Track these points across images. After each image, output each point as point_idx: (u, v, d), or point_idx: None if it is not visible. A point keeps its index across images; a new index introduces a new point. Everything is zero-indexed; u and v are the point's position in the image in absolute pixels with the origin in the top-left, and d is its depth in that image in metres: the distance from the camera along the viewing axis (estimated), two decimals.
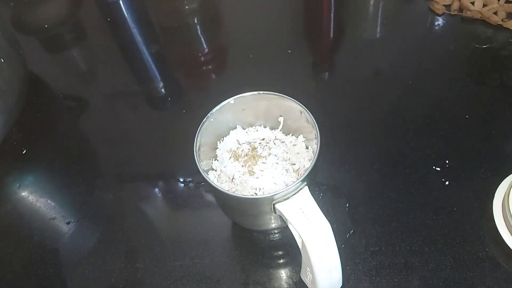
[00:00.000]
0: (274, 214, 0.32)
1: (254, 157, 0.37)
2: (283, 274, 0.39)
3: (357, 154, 0.47)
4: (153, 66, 0.62)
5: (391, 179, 0.44)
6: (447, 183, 0.43)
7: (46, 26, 0.70)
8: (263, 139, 0.39)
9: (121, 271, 0.40)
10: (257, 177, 0.35)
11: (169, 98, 0.58)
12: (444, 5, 0.59)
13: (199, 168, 0.34)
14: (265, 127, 0.41)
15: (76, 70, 0.64)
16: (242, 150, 0.38)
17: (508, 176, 0.41)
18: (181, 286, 0.39)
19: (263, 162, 0.36)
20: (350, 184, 0.44)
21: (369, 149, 0.47)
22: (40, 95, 0.59)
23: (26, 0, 0.75)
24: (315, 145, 0.35)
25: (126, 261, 0.41)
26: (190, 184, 0.46)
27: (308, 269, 0.32)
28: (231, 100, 0.37)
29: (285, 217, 0.30)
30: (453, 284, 0.36)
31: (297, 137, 0.40)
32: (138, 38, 0.65)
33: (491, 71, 0.52)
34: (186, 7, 0.69)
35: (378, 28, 0.63)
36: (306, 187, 0.31)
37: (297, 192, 0.31)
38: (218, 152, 0.39)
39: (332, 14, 0.66)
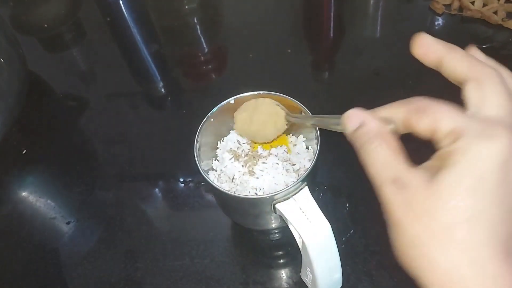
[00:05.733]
0: (274, 214, 0.32)
1: (254, 157, 0.37)
2: (283, 274, 0.39)
3: (357, 154, 0.46)
4: (153, 66, 0.62)
5: None
6: None
7: (46, 26, 0.70)
8: None
9: (121, 271, 0.40)
10: (257, 177, 0.35)
11: (169, 98, 0.58)
12: (444, 5, 0.59)
13: (199, 168, 0.34)
14: None
15: (76, 70, 0.64)
16: (242, 150, 0.38)
17: None
18: (181, 286, 0.39)
19: (263, 162, 0.36)
20: (350, 184, 0.44)
21: None
22: (40, 95, 0.59)
23: (26, 0, 0.75)
24: (315, 145, 0.35)
25: (126, 261, 0.41)
26: (190, 184, 0.46)
27: (308, 269, 0.32)
28: (231, 100, 0.37)
29: (285, 217, 0.30)
30: None
31: (297, 137, 0.40)
32: (138, 38, 0.65)
33: None
34: (186, 7, 0.69)
35: (378, 28, 0.63)
36: (306, 187, 0.31)
37: (297, 192, 0.31)
38: (218, 152, 0.39)
39: (332, 14, 0.66)
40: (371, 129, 0.21)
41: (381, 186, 0.20)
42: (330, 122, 0.27)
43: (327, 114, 0.28)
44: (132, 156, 0.50)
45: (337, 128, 0.25)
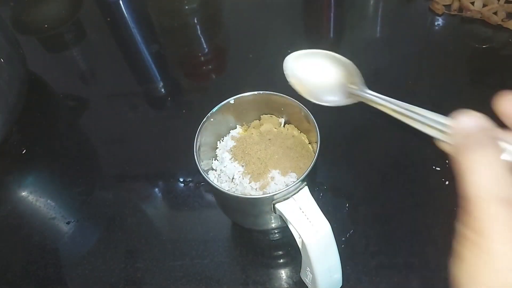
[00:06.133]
0: (274, 214, 0.32)
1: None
2: (283, 274, 0.39)
3: (357, 154, 0.47)
4: (153, 66, 0.62)
5: (391, 179, 0.44)
6: (447, 183, 0.43)
7: (46, 26, 0.70)
8: None
9: (121, 271, 0.40)
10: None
11: (169, 98, 0.58)
12: (444, 5, 0.59)
13: (199, 168, 0.34)
14: None
15: (76, 70, 0.64)
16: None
17: None
18: (181, 286, 0.39)
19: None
20: (350, 184, 0.44)
21: (369, 149, 0.47)
22: (40, 95, 0.59)
23: (26, 0, 0.75)
24: (315, 145, 0.35)
25: (126, 261, 0.41)
26: (190, 184, 0.46)
27: (308, 269, 0.32)
28: (231, 100, 0.37)
29: (285, 217, 0.30)
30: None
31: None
32: (138, 38, 0.65)
33: (491, 71, 0.52)
34: (186, 7, 0.69)
35: (378, 28, 0.63)
36: (306, 187, 0.31)
37: (297, 192, 0.31)
38: (218, 152, 0.39)
39: (332, 14, 0.66)
40: (489, 135, 0.18)
41: (485, 203, 0.17)
42: (425, 118, 0.23)
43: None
44: (132, 156, 0.50)
45: (427, 129, 0.22)
